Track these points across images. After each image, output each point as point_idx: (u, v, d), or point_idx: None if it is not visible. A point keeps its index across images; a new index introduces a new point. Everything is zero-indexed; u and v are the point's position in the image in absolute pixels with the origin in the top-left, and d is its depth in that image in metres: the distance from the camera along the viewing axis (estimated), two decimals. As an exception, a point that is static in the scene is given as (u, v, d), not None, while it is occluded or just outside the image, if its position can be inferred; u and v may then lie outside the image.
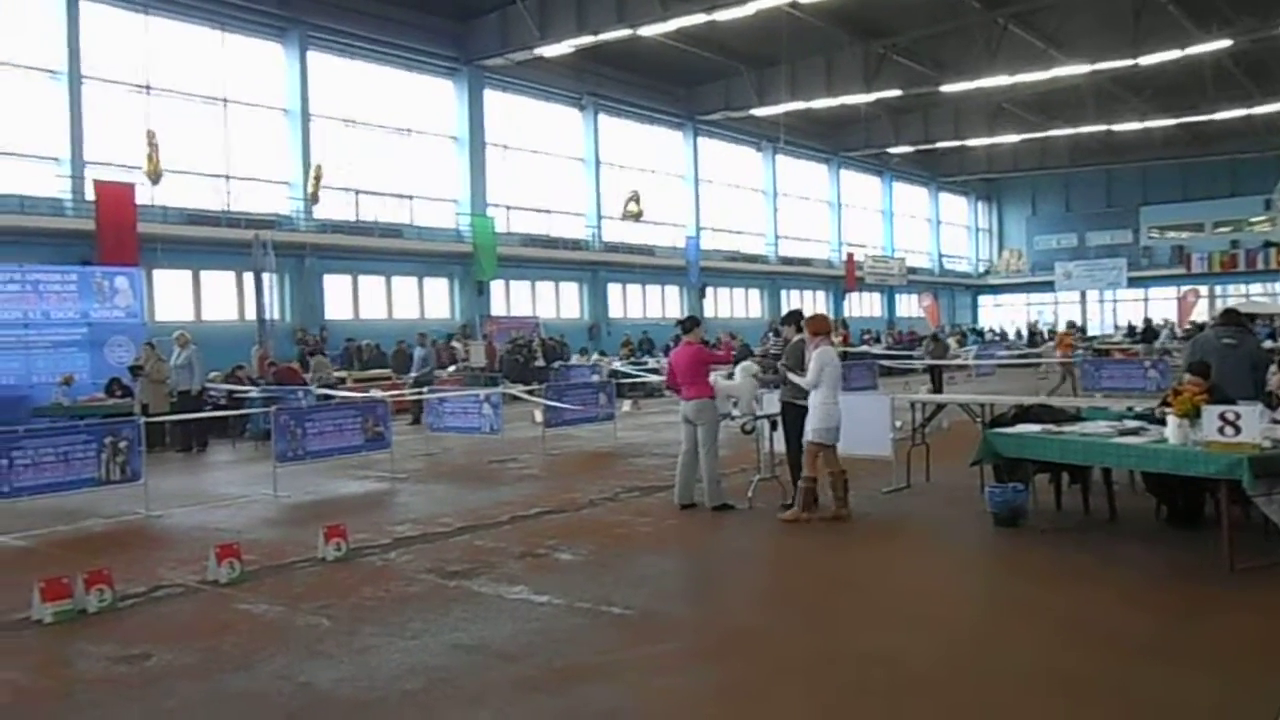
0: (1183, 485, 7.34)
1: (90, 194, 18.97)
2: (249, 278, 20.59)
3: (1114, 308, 47.68)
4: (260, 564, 7.33)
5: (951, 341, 35.42)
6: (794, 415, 8.70)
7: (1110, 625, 5.52)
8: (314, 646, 5.42)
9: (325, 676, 4.95)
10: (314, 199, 22.85)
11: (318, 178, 22.83)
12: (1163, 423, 7.12)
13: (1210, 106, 32.91)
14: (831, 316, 40.32)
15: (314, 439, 11.14)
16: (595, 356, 26.03)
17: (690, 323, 9.65)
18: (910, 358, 26.22)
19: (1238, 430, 6.28)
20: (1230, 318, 9.16)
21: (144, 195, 19.83)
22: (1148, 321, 37.47)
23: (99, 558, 7.39)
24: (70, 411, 14.41)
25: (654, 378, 23.26)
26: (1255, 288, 44.85)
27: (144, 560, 7.66)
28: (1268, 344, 16.66)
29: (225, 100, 22.53)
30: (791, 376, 8.67)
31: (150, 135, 20.09)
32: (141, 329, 17.21)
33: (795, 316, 9.30)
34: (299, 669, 5.07)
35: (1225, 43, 25.49)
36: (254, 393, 16.34)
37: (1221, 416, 6.35)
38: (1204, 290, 44.74)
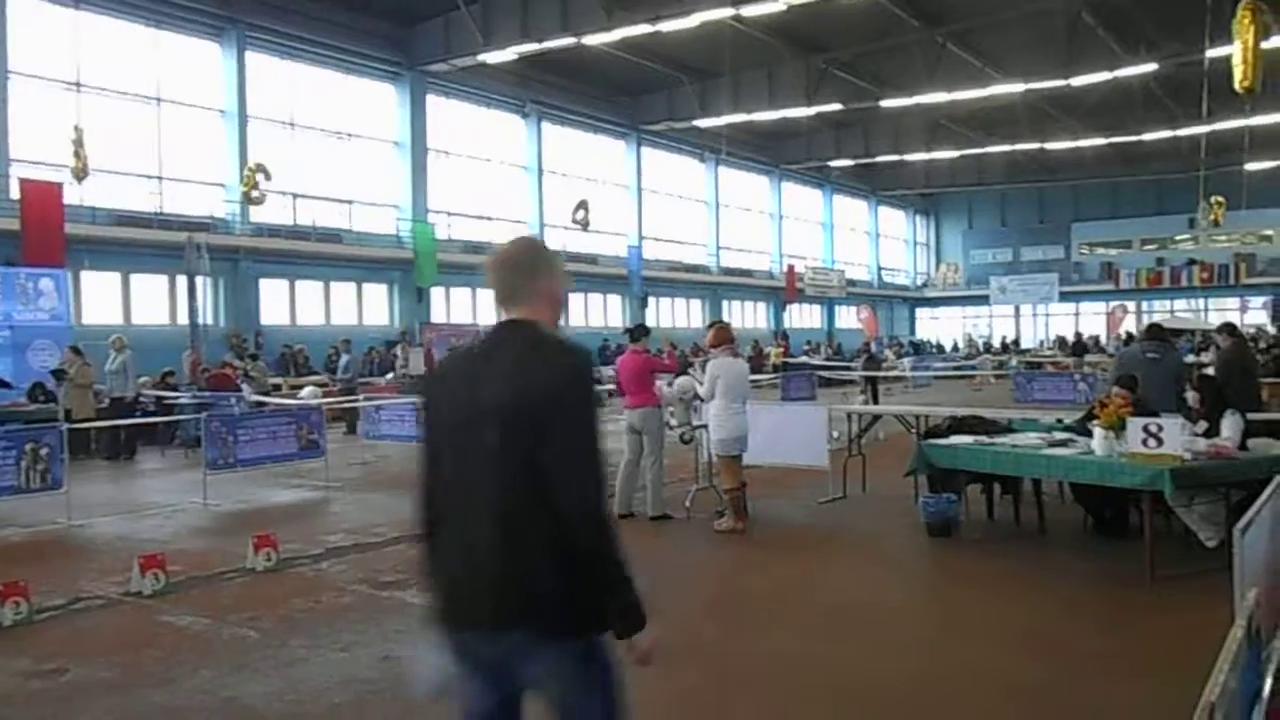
0: (1109, 496, 7.52)
1: (15, 193, 18.35)
2: (181, 281, 20.14)
3: (1047, 321, 48.84)
4: (186, 575, 7.14)
5: (889, 353, 36.03)
6: None
7: (1042, 631, 5.64)
8: (240, 660, 5.29)
9: (251, 690, 4.84)
10: (252, 199, 22.36)
11: (254, 173, 22.28)
12: (1090, 434, 7.28)
13: (1138, 127, 33.89)
14: (772, 327, 40.94)
15: (246, 446, 10.92)
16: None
17: (639, 331, 9.60)
18: (849, 369, 26.57)
19: (1160, 442, 6.45)
20: (1154, 332, 9.44)
21: (72, 195, 19.26)
22: (1078, 335, 38.47)
23: (16, 569, 7.13)
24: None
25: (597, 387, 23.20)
26: (1180, 303, 46.32)
27: (64, 571, 7.42)
28: (1190, 359, 17.17)
29: (159, 99, 22.01)
30: (696, 387, 8.75)
31: (77, 131, 19.52)
32: (67, 332, 16.73)
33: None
34: (223, 683, 4.94)
35: (1151, 66, 26.29)
36: (185, 399, 15.97)
37: (1145, 429, 6.52)
38: (1131, 305, 46.07)
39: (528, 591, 2.36)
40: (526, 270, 2.61)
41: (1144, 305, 46.38)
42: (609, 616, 2.44)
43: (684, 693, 4.81)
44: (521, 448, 2.35)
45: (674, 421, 9.50)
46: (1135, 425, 6.59)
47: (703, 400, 8.48)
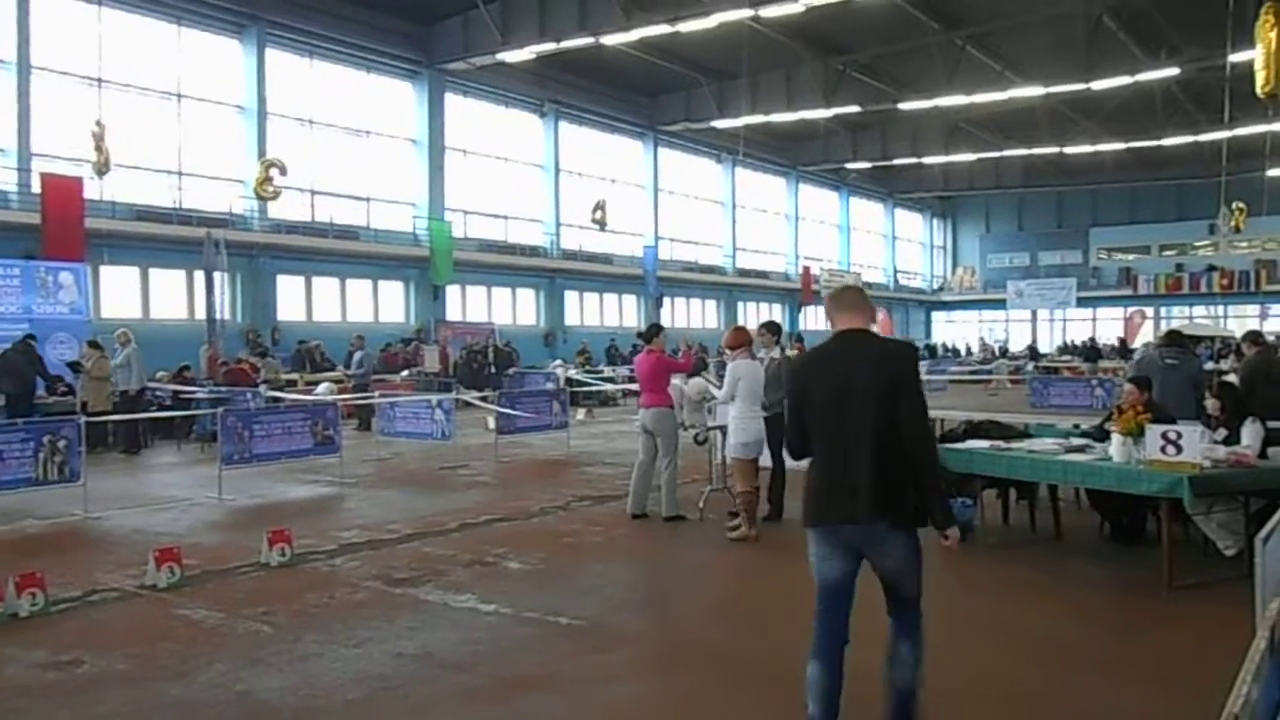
0: (1126, 502, 7.47)
1: (36, 187, 18.52)
2: (199, 276, 20.24)
3: (1064, 326, 48.58)
4: (201, 569, 7.17)
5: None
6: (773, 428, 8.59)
7: (1057, 638, 5.59)
8: (253, 654, 5.30)
9: (264, 685, 4.85)
10: (266, 194, 22.44)
11: (268, 167, 22.37)
12: (1107, 440, 7.23)
13: (1159, 132, 33.66)
14: (787, 330, 40.86)
15: (261, 442, 10.97)
16: (554, 364, 25.94)
17: (652, 331, 9.52)
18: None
19: (1179, 449, 6.39)
20: (1173, 339, 9.36)
21: (93, 190, 19.42)
22: (1092, 340, 38.23)
23: (33, 560, 7.18)
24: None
25: (609, 386, 23.25)
26: (1199, 310, 45.92)
27: (80, 563, 7.46)
28: (1209, 365, 17.04)
29: (180, 95, 22.15)
30: (713, 390, 8.69)
31: (99, 127, 19.67)
32: (86, 326, 16.84)
33: (773, 327, 9.22)
34: (237, 677, 4.96)
35: (1173, 71, 26.12)
36: (201, 393, 16.06)
37: (1164, 436, 6.46)
38: (1149, 311, 45.78)
39: (889, 496, 3.66)
40: (866, 301, 4.06)
41: (1162, 311, 46.06)
42: (932, 515, 3.77)
43: (683, 696, 4.80)
44: (886, 406, 3.67)
45: (688, 422, 9.46)
46: (1154, 432, 6.53)
47: (718, 402, 8.40)
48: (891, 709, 3.93)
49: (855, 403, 3.70)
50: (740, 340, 8.49)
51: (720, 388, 8.82)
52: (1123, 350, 34.27)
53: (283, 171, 22.68)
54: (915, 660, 3.92)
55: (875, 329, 4.05)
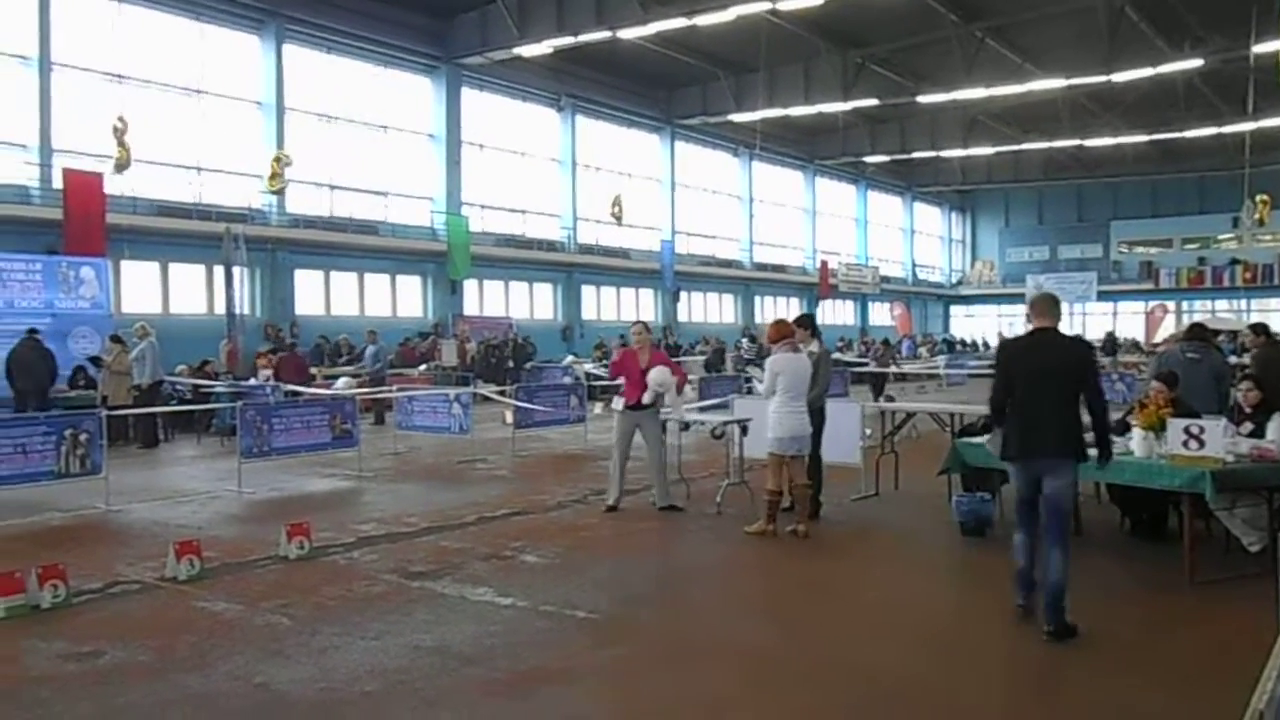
0: (1147, 498, 7.40)
1: (58, 182, 18.66)
2: (219, 271, 20.37)
3: (1084, 321, 48.20)
4: (221, 561, 7.22)
5: (922, 350, 35.75)
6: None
7: (1078, 635, 5.54)
8: (272, 646, 5.33)
9: (282, 677, 4.88)
10: (274, 188, 22.53)
11: (278, 161, 22.46)
12: (1127, 431, 7.17)
13: (1181, 124, 33.33)
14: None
15: (280, 435, 11.02)
16: (567, 360, 25.95)
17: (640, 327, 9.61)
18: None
19: (1201, 444, 6.33)
20: (1195, 333, 9.27)
21: (113, 185, 19.54)
22: (1109, 334, 37.93)
23: (54, 552, 7.26)
24: (31, 403, 14.15)
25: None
26: (1221, 304, 45.49)
27: (101, 556, 7.52)
28: (1233, 359, 16.82)
29: (199, 91, 22.26)
30: (755, 385, 8.61)
31: (121, 123, 19.81)
32: (107, 320, 16.96)
33: (807, 321, 9.06)
34: (256, 669, 4.99)
35: (1196, 62, 25.82)
36: (220, 387, 16.16)
37: (1186, 430, 6.40)
38: (1171, 306, 45.35)
39: (1066, 439, 5.46)
40: (1057, 308, 5.73)
41: (1184, 305, 45.63)
42: (1102, 453, 5.72)
43: (699, 690, 4.79)
44: (1070, 383, 5.50)
45: (668, 410, 9.47)
46: (1176, 426, 6.47)
47: (762, 396, 8.25)
48: (1047, 599, 5.45)
49: (1046, 378, 5.49)
50: (782, 333, 8.31)
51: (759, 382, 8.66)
52: (1142, 345, 34.01)
53: (289, 164, 22.67)
54: (1064, 564, 5.43)
55: (1058, 327, 5.68)
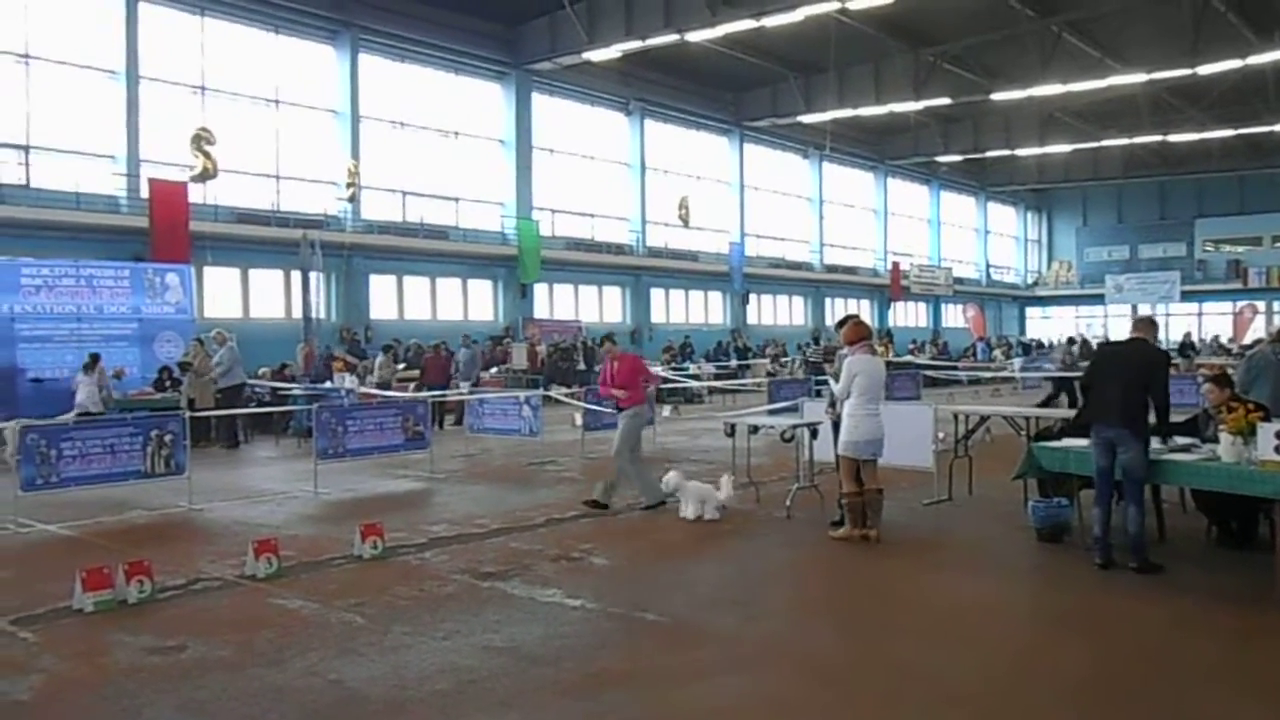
0: (1236, 505, 7.14)
1: (145, 192, 19.34)
2: (296, 276, 20.87)
3: (1167, 322, 46.64)
4: (297, 560, 7.38)
5: (997, 353, 35.03)
6: None
7: (1156, 644, 5.38)
8: (346, 644, 5.44)
9: (356, 674, 4.97)
10: (345, 196, 23.07)
11: (353, 173, 23.02)
12: (1193, 432, 7.10)
13: (1271, 117, 32.11)
14: (877, 326, 40.16)
15: (355, 437, 11.25)
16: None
17: (606, 340, 10.66)
18: (955, 369, 25.90)
19: (1294, 449, 6.08)
20: (1287, 334, 8.94)
21: (196, 194, 20.18)
22: (1186, 336, 36.66)
23: (141, 549, 7.49)
24: (119, 405, 14.65)
25: (695, 383, 23.21)
26: (1315, 303, 43.68)
27: (184, 553, 7.75)
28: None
29: (277, 101, 22.85)
30: (831, 384, 8.50)
31: (206, 133, 20.46)
32: (191, 325, 17.49)
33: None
34: (330, 666, 5.09)
35: (1288, 52, 24.88)
36: (298, 390, 16.54)
37: (1277, 435, 6.16)
38: (1261, 306, 43.70)
39: (1129, 415, 6.75)
40: (1152, 325, 7.28)
41: (1275, 305, 43.91)
42: (1162, 434, 7.13)
43: (768, 694, 4.75)
44: (1139, 378, 6.83)
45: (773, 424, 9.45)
46: (1267, 432, 6.24)
47: (837, 398, 8.18)
48: (1131, 545, 6.72)
49: (1123, 371, 6.91)
50: (859, 335, 8.18)
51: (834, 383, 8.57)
52: (1228, 347, 32.79)
53: (356, 172, 23.18)
54: (1141, 518, 6.73)
55: (1148, 338, 7.13)
